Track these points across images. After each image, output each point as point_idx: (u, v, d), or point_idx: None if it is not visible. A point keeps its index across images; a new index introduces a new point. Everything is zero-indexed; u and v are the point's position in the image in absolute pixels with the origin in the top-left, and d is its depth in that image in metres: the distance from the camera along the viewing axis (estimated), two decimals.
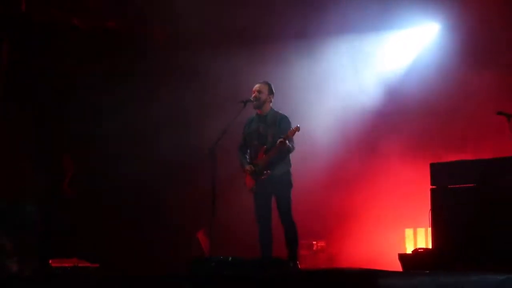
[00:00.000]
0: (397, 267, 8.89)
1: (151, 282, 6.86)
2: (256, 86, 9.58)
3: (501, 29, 11.59)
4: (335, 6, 11.89)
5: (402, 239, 11.64)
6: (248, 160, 9.59)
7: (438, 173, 9.22)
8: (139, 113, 12.31)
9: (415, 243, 11.41)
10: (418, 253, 9.28)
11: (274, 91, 9.63)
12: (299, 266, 9.25)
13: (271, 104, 9.61)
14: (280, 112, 9.61)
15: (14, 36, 11.79)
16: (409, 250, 10.85)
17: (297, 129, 9.24)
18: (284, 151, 9.30)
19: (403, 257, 9.14)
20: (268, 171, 9.31)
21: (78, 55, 12.27)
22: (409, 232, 11.63)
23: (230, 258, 7.56)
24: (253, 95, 9.52)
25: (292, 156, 9.42)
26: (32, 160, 11.81)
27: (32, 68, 11.98)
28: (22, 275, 7.78)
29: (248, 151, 9.65)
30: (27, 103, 11.84)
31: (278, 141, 9.15)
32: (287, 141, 9.17)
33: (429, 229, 9.31)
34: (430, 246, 9.59)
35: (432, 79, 11.96)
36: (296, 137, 9.31)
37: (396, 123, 12.16)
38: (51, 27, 12.07)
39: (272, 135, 9.38)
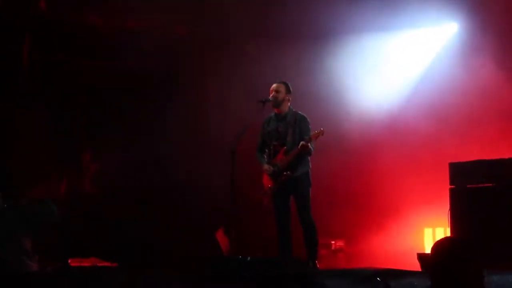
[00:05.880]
0: (416, 266, 8.87)
1: (169, 281, 6.89)
2: (274, 85, 9.59)
3: None
4: (353, 5, 11.87)
5: (421, 238, 11.62)
6: (266, 160, 9.59)
7: (457, 172, 9.21)
8: (159, 111, 12.33)
9: None
10: None
11: (291, 90, 9.64)
12: (318, 265, 9.27)
13: (289, 104, 9.62)
14: (299, 112, 9.61)
15: (35, 35, 11.85)
16: (428, 249, 10.83)
17: (321, 132, 9.25)
18: (305, 154, 9.31)
19: (422, 257, 9.12)
20: (288, 172, 9.32)
21: (98, 53, 12.32)
22: (428, 231, 11.61)
23: (248, 258, 7.57)
24: (271, 94, 9.54)
25: (312, 155, 9.42)
26: (53, 158, 11.87)
27: (53, 66, 12.03)
28: (42, 273, 7.82)
29: (267, 150, 9.66)
30: (48, 101, 11.89)
31: (300, 144, 9.16)
32: (309, 144, 9.18)
33: (448, 229, 9.29)
34: None
35: (452, 78, 11.91)
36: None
37: (416, 122, 12.11)
38: (70, 25, 12.11)
39: (292, 135, 9.39)
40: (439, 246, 4.47)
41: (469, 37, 12.02)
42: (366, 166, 12.47)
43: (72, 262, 9.68)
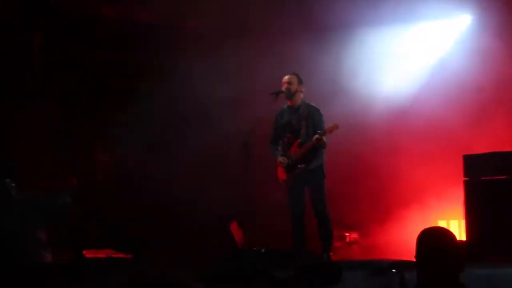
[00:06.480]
0: None
1: (183, 273, 6.90)
2: (286, 77, 9.61)
3: None
4: None
5: None
6: (281, 152, 9.60)
7: (471, 165, 9.18)
8: (171, 104, 12.32)
9: None
10: None
11: (303, 81, 9.64)
12: (332, 257, 9.27)
13: (302, 95, 9.62)
14: (312, 104, 9.62)
15: (47, 28, 11.85)
16: None
17: (336, 126, 9.27)
18: (319, 147, 9.32)
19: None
20: (303, 165, 9.33)
21: (110, 45, 12.33)
22: (442, 224, 11.56)
23: (263, 250, 7.58)
24: (283, 86, 9.55)
25: (326, 148, 9.43)
26: (67, 151, 11.89)
27: (66, 58, 12.04)
28: (57, 264, 7.86)
29: (281, 143, 9.66)
30: (61, 95, 11.90)
31: (314, 138, 9.19)
32: (323, 137, 9.19)
33: (463, 221, 9.28)
34: (463, 238, 9.55)
35: (465, 71, 11.86)
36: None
37: (430, 115, 12.08)
38: (82, 17, 12.11)
39: (306, 128, 9.40)
40: (432, 236, 4.55)
41: (483, 29, 11.96)
42: (380, 159, 12.42)
43: (87, 254, 9.70)
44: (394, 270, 6.39)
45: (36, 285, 6.77)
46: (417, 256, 4.54)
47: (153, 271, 7.04)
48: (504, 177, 8.92)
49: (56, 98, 11.88)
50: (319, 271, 6.61)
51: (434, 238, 4.53)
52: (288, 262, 7.28)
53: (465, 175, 9.20)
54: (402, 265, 6.71)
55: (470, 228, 8.95)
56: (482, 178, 9.07)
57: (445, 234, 4.55)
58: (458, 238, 10.39)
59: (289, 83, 9.56)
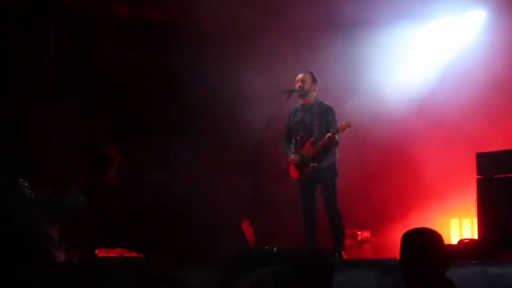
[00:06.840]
0: None
1: (194, 272, 6.92)
2: (299, 76, 9.62)
3: None
4: None
5: (448, 229, 11.56)
6: (292, 150, 9.59)
7: (484, 163, 9.14)
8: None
9: (461, 234, 11.33)
10: (463, 244, 9.22)
11: (317, 79, 9.63)
12: (343, 256, 9.26)
13: (315, 93, 9.62)
14: (325, 102, 9.61)
15: (61, 25, 11.87)
16: (454, 240, 10.78)
17: (348, 124, 9.27)
18: (332, 145, 9.31)
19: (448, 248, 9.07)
20: (315, 163, 9.33)
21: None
22: (454, 222, 11.55)
23: (275, 248, 7.58)
24: (297, 85, 9.55)
25: (339, 146, 9.42)
26: (79, 150, 11.91)
27: (79, 56, 12.06)
28: (69, 263, 7.89)
29: (293, 141, 9.66)
30: (74, 92, 11.91)
31: (327, 136, 9.18)
32: (336, 136, 9.18)
33: (475, 220, 9.25)
34: (476, 237, 9.53)
35: (480, 68, 11.82)
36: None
37: (443, 112, 12.05)
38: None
39: (319, 127, 9.40)
40: (415, 235, 4.65)
41: (498, 25, 11.91)
42: (392, 157, 12.42)
43: (99, 253, 9.72)
44: None
45: (48, 284, 6.80)
46: (400, 256, 4.62)
47: (164, 270, 7.06)
48: None
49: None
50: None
51: (416, 237, 4.65)
52: (300, 260, 7.29)
53: (478, 173, 9.16)
54: None
55: (482, 227, 8.91)
56: (495, 176, 9.03)
57: (428, 233, 4.65)
58: (471, 236, 10.45)
59: (302, 81, 9.57)
